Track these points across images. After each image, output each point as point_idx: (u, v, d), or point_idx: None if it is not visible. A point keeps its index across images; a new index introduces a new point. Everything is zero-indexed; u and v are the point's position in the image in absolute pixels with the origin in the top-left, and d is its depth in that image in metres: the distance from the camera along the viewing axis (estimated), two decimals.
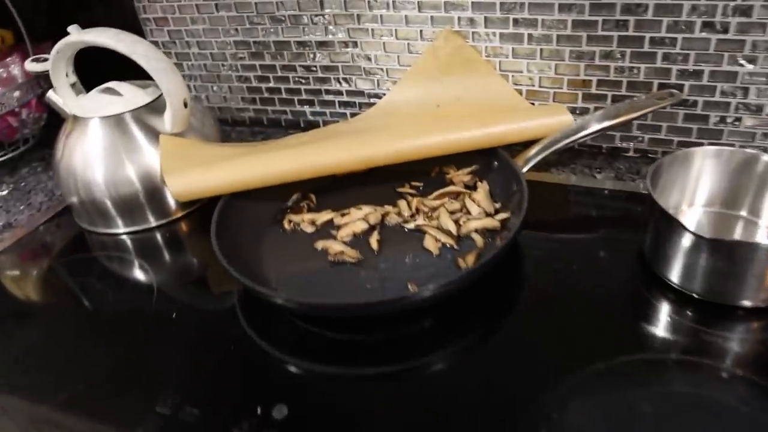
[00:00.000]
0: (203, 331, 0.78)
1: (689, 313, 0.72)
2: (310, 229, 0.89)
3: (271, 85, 1.16)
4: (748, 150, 0.79)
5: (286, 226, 0.90)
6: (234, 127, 1.25)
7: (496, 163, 0.92)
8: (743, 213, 0.82)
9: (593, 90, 0.97)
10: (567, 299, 0.76)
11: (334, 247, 0.85)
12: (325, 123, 1.18)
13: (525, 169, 0.88)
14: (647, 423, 0.60)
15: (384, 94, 1.10)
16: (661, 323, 0.72)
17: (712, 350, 0.68)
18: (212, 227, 0.82)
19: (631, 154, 1.01)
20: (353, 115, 1.15)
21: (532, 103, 1.01)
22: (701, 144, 0.97)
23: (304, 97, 1.16)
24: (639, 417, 0.61)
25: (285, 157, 0.89)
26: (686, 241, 0.70)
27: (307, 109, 1.17)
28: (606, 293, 0.76)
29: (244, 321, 0.78)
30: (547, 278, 0.80)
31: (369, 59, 1.07)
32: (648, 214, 0.77)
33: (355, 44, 1.06)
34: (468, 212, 0.88)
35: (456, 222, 0.86)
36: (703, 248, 0.69)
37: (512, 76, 1.01)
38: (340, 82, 1.11)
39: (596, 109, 0.99)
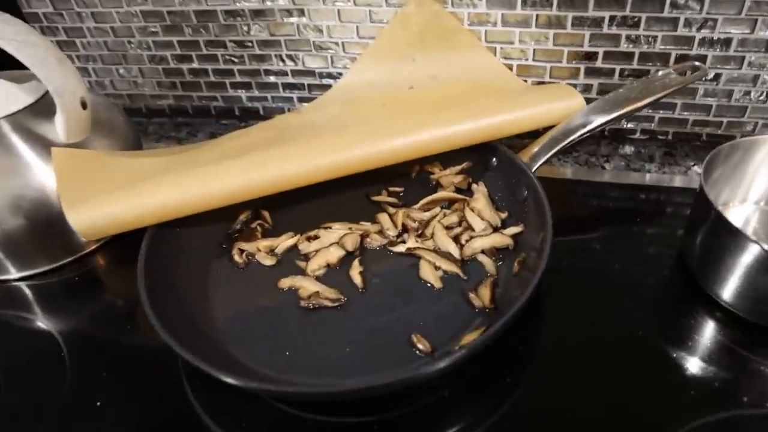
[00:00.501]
0: (136, 413, 0.58)
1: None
2: (269, 261, 0.69)
3: (195, 65, 0.93)
4: None
5: (237, 257, 0.70)
6: (150, 119, 1.01)
7: (494, 160, 0.75)
8: None
9: (598, 63, 0.81)
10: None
11: (306, 286, 0.65)
12: (266, 110, 0.96)
13: (535, 168, 0.71)
14: None
15: (340, 74, 0.89)
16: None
17: None
18: (139, 273, 0.61)
19: (638, 136, 0.86)
20: (301, 99, 0.93)
21: (525, 81, 0.84)
22: (720, 123, 0.83)
23: (238, 79, 0.93)
24: None
25: (226, 172, 0.67)
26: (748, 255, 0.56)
27: (242, 93, 0.95)
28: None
29: (192, 395, 0.58)
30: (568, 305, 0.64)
31: (320, 31, 0.85)
32: (696, 215, 0.64)
33: (301, 12, 0.84)
34: (469, 227, 0.70)
35: (456, 240, 0.69)
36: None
37: (500, 48, 0.82)
38: (283, 60, 0.89)
39: (600, 86, 0.83)
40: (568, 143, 0.71)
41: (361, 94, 0.83)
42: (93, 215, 0.64)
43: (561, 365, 0.58)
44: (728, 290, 0.61)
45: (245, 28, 0.87)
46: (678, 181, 0.79)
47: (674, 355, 0.59)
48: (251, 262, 0.70)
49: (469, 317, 0.61)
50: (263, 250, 0.70)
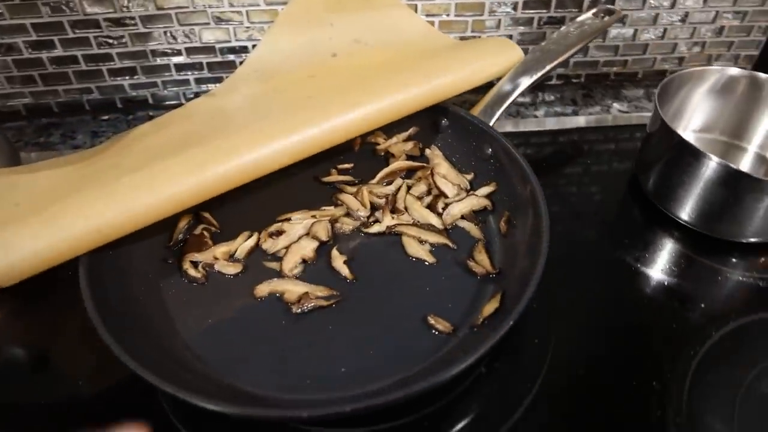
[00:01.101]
0: None
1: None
2: (233, 269, 0.60)
3: (59, 52, 0.76)
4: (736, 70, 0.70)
5: (192, 272, 0.59)
6: (3, 123, 0.82)
7: (444, 121, 0.71)
8: (725, 138, 0.75)
9: (518, 13, 0.80)
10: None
11: (290, 289, 0.57)
12: (157, 98, 0.83)
13: (492, 123, 0.68)
14: None
15: (245, 48, 0.79)
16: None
17: None
18: (90, 311, 0.49)
19: (554, 82, 0.87)
20: (200, 81, 0.82)
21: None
22: (625, 62, 0.87)
23: (117, 64, 0.78)
24: None
25: (164, 177, 0.55)
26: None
27: (125, 81, 0.80)
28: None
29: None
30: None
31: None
32: (652, 141, 0.68)
33: None
34: (441, 194, 0.66)
35: (432, 210, 0.65)
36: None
37: (420, 5, 0.78)
38: (174, 37, 0.77)
39: (521, 36, 0.82)
40: (519, 94, 0.70)
41: (281, 67, 0.74)
42: (6, 255, 0.50)
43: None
44: (686, 208, 0.65)
45: (123, 2, 0.73)
46: (610, 120, 0.82)
47: (641, 268, 0.63)
48: (211, 273, 0.60)
49: (477, 286, 0.58)
50: (221, 257, 0.60)
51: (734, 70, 0.69)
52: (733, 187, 0.60)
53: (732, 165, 0.59)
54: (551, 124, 0.81)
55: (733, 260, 0.64)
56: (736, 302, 0.60)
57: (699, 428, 0.49)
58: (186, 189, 0.55)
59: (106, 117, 0.81)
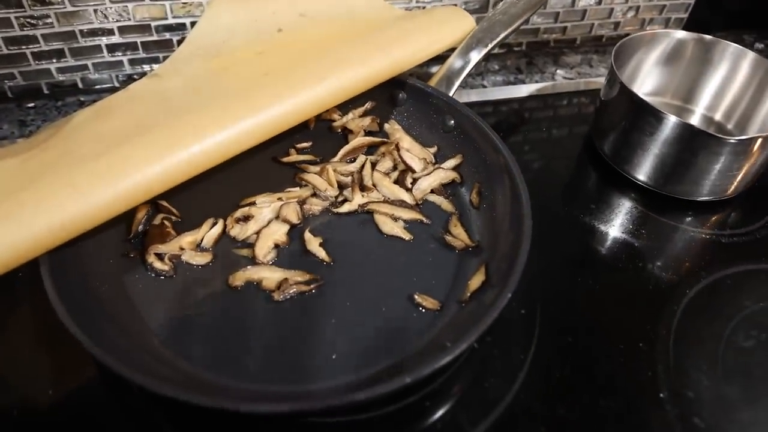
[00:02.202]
0: None
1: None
2: (201, 259, 0.56)
3: None
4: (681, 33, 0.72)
5: (158, 264, 0.55)
6: None
7: (401, 95, 0.69)
8: (674, 101, 0.77)
9: None
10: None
11: (268, 276, 0.55)
12: (87, 82, 0.76)
13: (452, 94, 0.68)
14: None
15: (182, 26, 0.74)
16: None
17: None
18: (61, 314, 0.45)
19: (497, 50, 0.87)
20: (134, 62, 0.76)
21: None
22: (564, 28, 0.88)
23: (43, 47, 0.71)
24: None
25: (126, 165, 0.50)
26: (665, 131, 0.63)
27: (52, 65, 0.73)
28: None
29: None
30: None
31: None
32: (608, 104, 0.69)
33: None
34: (408, 168, 0.65)
35: (401, 186, 0.63)
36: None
37: None
38: (104, 16, 0.71)
39: (466, 5, 0.81)
40: (474, 64, 0.69)
41: (225, 45, 0.70)
42: None
43: None
44: (644, 169, 0.67)
45: None
46: (556, 87, 0.83)
47: (608, 232, 0.65)
48: (178, 265, 0.56)
49: (458, 261, 0.57)
50: (188, 247, 0.57)
51: (682, 34, 0.71)
52: (690, 145, 0.62)
53: (691, 123, 0.61)
54: (498, 93, 0.81)
55: (690, 218, 0.67)
56: (704, 260, 0.62)
57: (688, 383, 0.51)
58: (153, 176, 0.51)
59: (32, 104, 0.74)
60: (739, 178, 0.65)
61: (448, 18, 0.71)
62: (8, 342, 0.53)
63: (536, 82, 0.83)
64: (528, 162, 0.72)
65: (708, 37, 0.71)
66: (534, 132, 0.77)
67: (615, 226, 0.65)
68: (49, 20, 0.69)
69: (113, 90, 0.74)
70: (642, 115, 0.64)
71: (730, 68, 0.72)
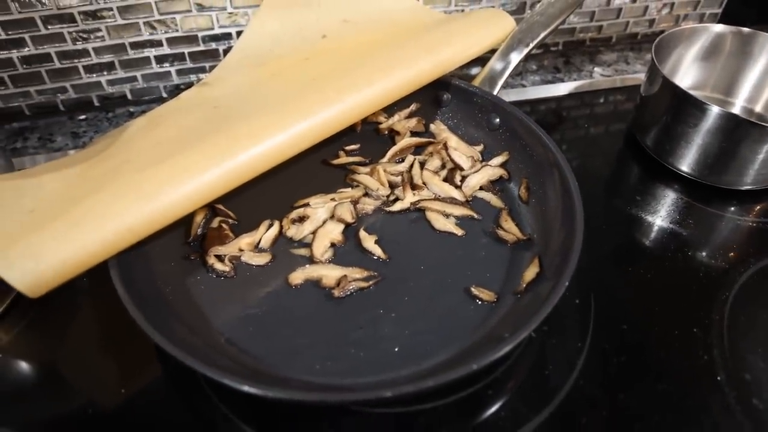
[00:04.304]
0: None
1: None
2: (260, 259, 0.58)
3: (30, 51, 0.71)
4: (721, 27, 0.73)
5: (219, 266, 0.57)
6: None
7: (446, 96, 0.71)
8: (714, 94, 0.78)
9: None
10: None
11: (327, 274, 0.56)
12: (136, 93, 0.78)
13: (496, 93, 0.69)
14: None
15: (228, 35, 0.76)
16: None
17: None
18: (133, 312, 0.47)
19: (534, 51, 0.88)
20: (181, 72, 0.78)
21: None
22: (600, 27, 0.89)
23: (94, 60, 0.74)
24: None
25: (184, 171, 0.52)
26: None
27: (103, 77, 0.76)
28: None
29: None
30: None
31: None
32: (651, 97, 0.70)
33: None
34: (456, 167, 0.66)
35: (450, 183, 0.65)
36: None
37: None
38: (153, 27, 0.73)
39: (504, 6, 0.83)
40: (518, 63, 0.70)
41: (272, 52, 0.72)
42: (37, 264, 0.47)
43: None
44: (688, 160, 0.68)
45: None
46: (594, 84, 0.84)
47: (655, 222, 0.66)
48: (238, 266, 0.58)
49: (510, 254, 0.58)
50: (247, 248, 0.59)
51: (720, 27, 0.72)
52: (734, 135, 0.63)
53: (733, 112, 0.62)
54: (538, 92, 0.83)
55: (734, 207, 0.67)
56: (751, 247, 0.63)
57: (744, 366, 0.52)
58: (213, 179, 0.52)
59: (83, 116, 0.77)
60: None
61: (489, 19, 0.73)
62: (78, 345, 0.55)
63: (574, 80, 0.85)
64: (571, 158, 0.73)
65: (746, 29, 0.72)
66: (574, 129, 0.78)
67: (661, 217, 0.66)
68: (100, 33, 0.72)
69: (161, 100, 0.77)
70: (685, 107, 0.65)
71: None
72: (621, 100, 0.82)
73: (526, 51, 0.70)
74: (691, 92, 0.69)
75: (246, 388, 0.42)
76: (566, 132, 0.77)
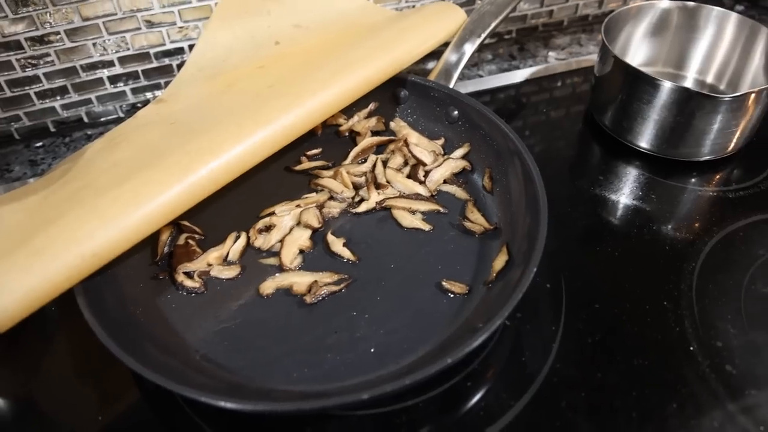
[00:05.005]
0: None
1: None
2: (230, 272, 0.57)
3: None
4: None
5: (189, 282, 0.56)
6: None
7: (403, 92, 0.71)
8: (666, 69, 0.79)
9: None
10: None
11: (297, 281, 0.56)
12: (92, 115, 0.77)
13: (452, 84, 0.69)
14: None
15: (180, 50, 0.75)
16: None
17: None
18: (104, 338, 0.46)
19: (488, 41, 0.89)
20: (136, 91, 0.77)
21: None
22: (551, 12, 0.90)
23: (46, 85, 0.73)
24: None
25: (148, 190, 0.51)
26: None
27: (56, 102, 0.74)
28: None
29: None
30: None
31: (148, 2, 0.70)
32: (604, 77, 0.71)
33: None
34: (419, 162, 0.66)
35: (414, 179, 0.65)
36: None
37: None
38: (104, 48, 0.72)
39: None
40: (470, 55, 0.71)
41: (226, 63, 0.71)
42: (1, 298, 0.46)
43: None
44: (645, 136, 0.69)
45: (44, 15, 0.67)
46: (550, 69, 0.85)
47: (618, 199, 0.67)
48: (208, 281, 0.57)
49: (479, 245, 0.59)
50: (215, 262, 0.58)
51: (666, 3, 0.74)
52: (687, 108, 0.64)
53: (684, 86, 0.63)
54: (495, 81, 0.83)
55: (695, 179, 0.68)
56: (713, 215, 0.64)
57: (715, 334, 0.53)
58: (175, 197, 0.52)
59: (40, 143, 0.75)
60: (737, 134, 0.67)
61: (440, 13, 0.73)
62: (53, 376, 0.54)
63: (530, 66, 0.85)
64: (532, 144, 0.74)
65: (691, 3, 0.73)
66: (534, 115, 0.78)
67: (625, 194, 0.67)
68: (49, 59, 0.71)
69: (119, 121, 0.76)
70: (638, 85, 0.66)
71: (716, 31, 0.74)
72: (578, 82, 0.83)
73: (479, 41, 0.71)
74: (644, 68, 0.70)
75: (221, 404, 0.42)
76: (527, 118, 0.78)
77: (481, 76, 0.84)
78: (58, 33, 0.69)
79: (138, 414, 0.51)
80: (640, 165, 0.70)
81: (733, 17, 0.72)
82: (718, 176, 0.69)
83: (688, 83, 0.78)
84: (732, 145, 0.68)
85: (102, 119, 0.78)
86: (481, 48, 0.89)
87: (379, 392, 0.43)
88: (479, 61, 0.87)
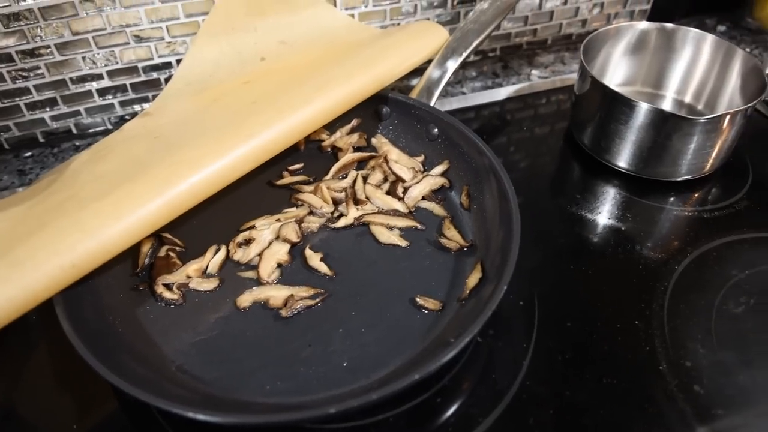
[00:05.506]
0: None
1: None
2: (209, 285, 0.58)
3: None
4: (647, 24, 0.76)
5: (167, 294, 0.57)
6: None
7: (385, 109, 0.72)
8: (645, 89, 0.80)
9: None
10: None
11: (274, 295, 0.57)
12: (81, 127, 0.78)
13: (433, 104, 0.70)
14: None
15: (168, 64, 0.77)
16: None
17: None
18: (80, 348, 0.47)
19: (473, 58, 0.91)
20: (124, 104, 0.78)
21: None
22: (535, 30, 0.91)
23: (36, 97, 0.74)
24: None
25: (129, 201, 0.52)
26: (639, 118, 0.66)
27: (46, 114, 0.76)
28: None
29: None
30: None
31: (136, 17, 0.72)
32: (583, 98, 0.72)
33: None
34: (398, 179, 0.67)
35: (393, 196, 0.66)
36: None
37: None
38: (93, 62, 0.73)
39: (437, 19, 0.85)
40: (452, 73, 0.72)
41: (212, 78, 0.72)
42: None
43: None
44: (623, 156, 0.70)
45: (35, 29, 0.69)
46: (532, 87, 0.86)
47: (595, 219, 0.68)
48: (187, 293, 0.58)
49: (454, 261, 0.60)
50: (194, 275, 0.59)
51: (644, 24, 0.75)
52: (664, 129, 0.65)
53: (662, 108, 0.64)
54: (478, 98, 0.84)
55: (672, 198, 0.69)
56: (687, 235, 0.65)
57: (685, 354, 0.54)
58: (156, 209, 0.53)
59: (29, 153, 0.77)
60: (713, 155, 0.68)
61: (423, 32, 0.74)
62: (29, 384, 0.54)
63: (513, 84, 0.86)
64: (514, 161, 0.75)
65: (669, 25, 0.74)
66: (516, 132, 0.79)
67: (602, 213, 0.68)
68: (39, 71, 0.72)
69: (107, 132, 0.77)
70: (615, 105, 0.67)
71: (694, 52, 0.75)
72: (560, 100, 0.84)
73: (461, 59, 0.72)
74: (623, 88, 0.72)
75: (190, 415, 0.43)
76: (509, 135, 0.79)
77: (465, 94, 0.85)
78: (48, 47, 0.70)
79: (114, 423, 0.52)
80: (618, 184, 0.71)
81: (710, 39, 0.73)
82: (695, 196, 0.70)
83: (667, 103, 0.79)
84: (708, 165, 0.69)
85: (90, 131, 0.79)
86: (466, 65, 0.90)
87: (345, 407, 0.44)
88: (463, 79, 0.88)
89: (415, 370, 0.45)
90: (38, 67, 0.72)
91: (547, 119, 0.82)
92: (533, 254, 0.63)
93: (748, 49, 0.94)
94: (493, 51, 0.91)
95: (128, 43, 0.73)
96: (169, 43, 0.75)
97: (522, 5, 0.87)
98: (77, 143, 0.78)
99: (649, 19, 0.95)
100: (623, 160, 0.70)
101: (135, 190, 0.54)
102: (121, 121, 0.79)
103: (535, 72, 0.89)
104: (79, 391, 0.54)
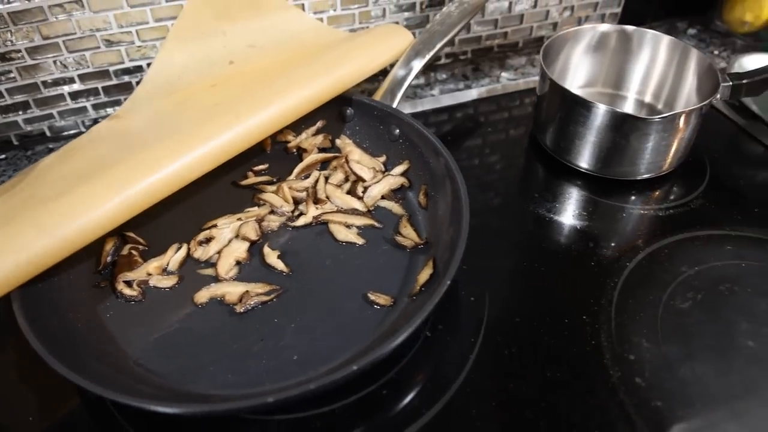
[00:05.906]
0: None
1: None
2: (168, 282, 0.60)
3: None
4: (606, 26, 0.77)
5: (127, 291, 0.59)
6: None
7: (349, 111, 0.73)
8: (606, 89, 0.82)
9: (401, 0, 0.83)
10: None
11: (230, 291, 0.58)
12: (54, 130, 0.80)
13: (395, 105, 0.72)
14: None
15: (139, 68, 0.78)
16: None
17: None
18: (32, 341, 0.49)
19: (443, 61, 0.92)
20: (97, 107, 0.80)
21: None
22: (505, 33, 0.92)
23: (8, 100, 0.76)
24: None
25: (89, 199, 0.54)
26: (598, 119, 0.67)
27: (19, 117, 0.77)
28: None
29: None
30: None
31: (106, 22, 0.73)
32: (544, 100, 0.73)
33: (78, 4, 0.71)
34: (359, 179, 0.69)
35: (353, 195, 0.67)
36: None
37: (308, 2, 0.80)
38: (64, 66, 0.75)
39: (407, 22, 0.86)
40: (414, 75, 0.73)
41: (180, 81, 0.74)
42: None
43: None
44: (584, 156, 0.71)
45: (6, 36, 0.71)
46: (500, 89, 0.88)
47: (553, 217, 0.69)
48: (147, 290, 0.60)
49: (409, 259, 0.61)
50: (155, 272, 0.60)
51: (605, 26, 0.76)
52: (622, 129, 0.66)
53: (618, 109, 0.65)
54: (448, 100, 0.85)
55: (632, 197, 0.71)
56: (642, 233, 0.66)
57: (629, 348, 0.55)
58: (112, 208, 0.54)
59: (2, 156, 0.78)
60: (671, 153, 0.69)
61: (388, 34, 0.76)
62: None
63: (481, 86, 0.88)
64: (480, 161, 0.76)
65: (629, 27, 0.76)
66: (484, 133, 0.81)
67: (562, 213, 0.69)
68: (11, 75, 0.74)
69: (80, 135, 0.78)
70: (573, 107, 0.68)
71: (651, 53, 0.76)
72: (528, 103, 0.85)
73: (425, 60, 0.73)
74: (584, 89, 0.73)
75: (142, 405, 0.44)
76: (475, 136, 0.80)
77: (433, 95, 0.86)
78: (19, 51, 0.72)
79: (75, 419, 0.53)
80: (580, 184, 0.72)
81: (666, 40, 0.74)
82: (654, 195, 0.71)
83: (628, 103, 0.80)
84: (667, 164, 0.70)
85: (64, 133, 0.81)
86: (436, 68, 0.91)
87: (284, 396, 0.45)
88: (434, 82, 0.89)
89: (355, 362, 0.46)
90: (10, 71, 0.73)
91: (512, 121, 0.83)
92: (489, 253, 0.64)
93: (716, 51, 0.95)
94: (464, 54, 0.92)
95: (99, 47, 0.75)
96: (139, 47, 0.77)
97: (492, 8, 0.88)
98: (51, 146, 0.80)
99: (621, 22, 0.96)
100: (584, 160, 0.71)
101: (92, 189, 0.55)
102: (95, 123, 0.80)
103: (504, 74, 0.90)
104: (40, 388, 0.55)
